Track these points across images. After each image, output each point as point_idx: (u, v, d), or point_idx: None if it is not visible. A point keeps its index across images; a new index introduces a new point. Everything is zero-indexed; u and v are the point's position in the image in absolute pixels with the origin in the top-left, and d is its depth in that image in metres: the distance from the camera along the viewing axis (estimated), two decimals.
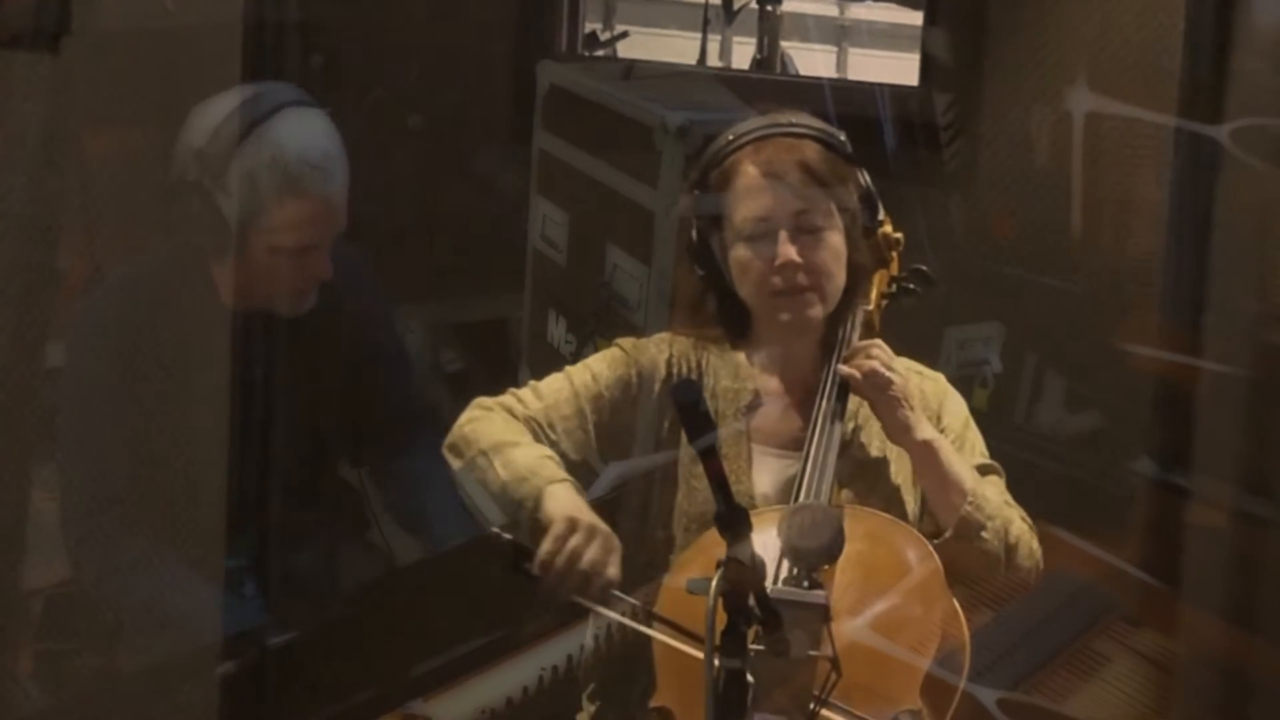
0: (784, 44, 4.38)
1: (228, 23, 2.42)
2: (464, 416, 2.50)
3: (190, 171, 2.60)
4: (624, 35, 4.39)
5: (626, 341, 2.59)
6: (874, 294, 2.59)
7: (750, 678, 1.95)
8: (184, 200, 2.62)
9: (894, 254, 2.62)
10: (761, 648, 2.02)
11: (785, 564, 2.18)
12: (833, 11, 5.96)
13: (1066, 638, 2.66)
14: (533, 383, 2.55)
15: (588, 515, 2.31)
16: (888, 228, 2.59)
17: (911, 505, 2.48)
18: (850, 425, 2.47)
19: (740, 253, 2.47)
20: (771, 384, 2.53)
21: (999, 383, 3.31)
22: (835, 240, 2.47)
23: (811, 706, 2.06)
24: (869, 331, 2.56)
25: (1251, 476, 2.71)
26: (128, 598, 2.60)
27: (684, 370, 2.54)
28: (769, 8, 4.35)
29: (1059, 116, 3.32)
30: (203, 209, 2.61)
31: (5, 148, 2.25)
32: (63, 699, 2.69)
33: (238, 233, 2.62)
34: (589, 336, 3.43)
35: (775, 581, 2.16)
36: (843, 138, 2.52)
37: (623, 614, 2.29)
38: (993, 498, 2.43)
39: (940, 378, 2.58)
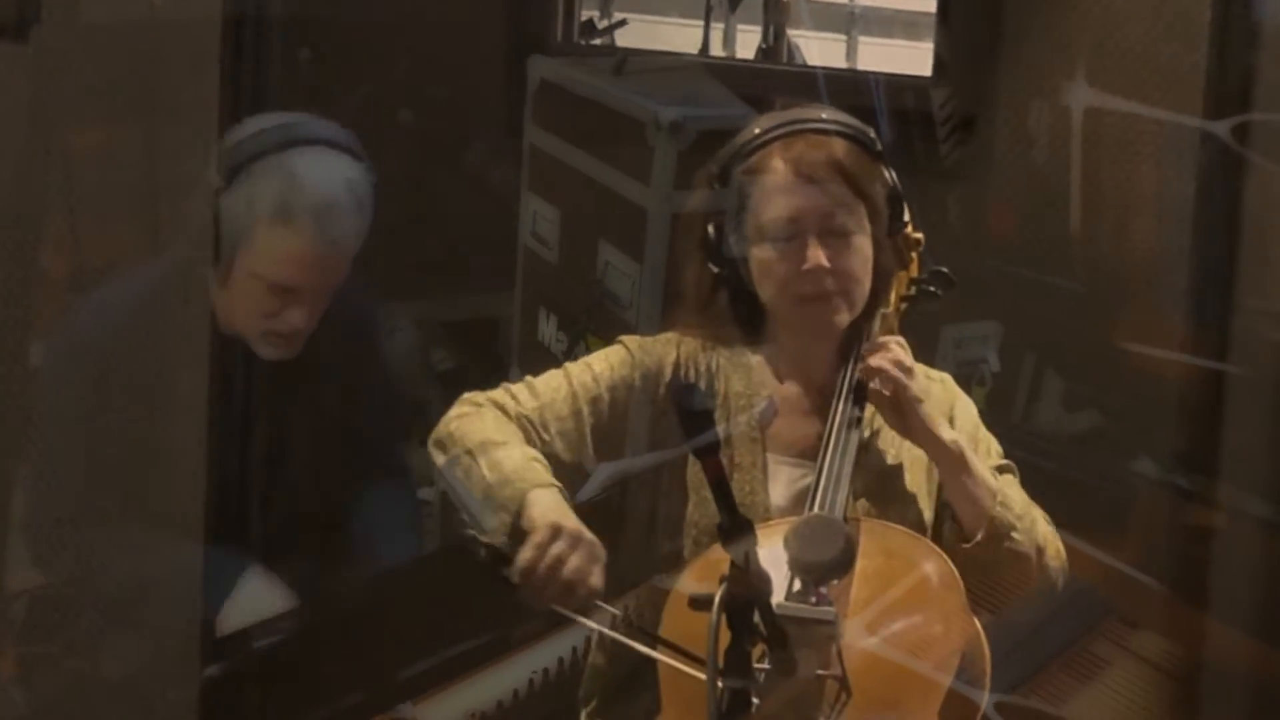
0: (791, 32, 4.31)
1: (208, 16, 2.39)
2: (452, 411, 2.42)
3: (212, 170, 2.54)
4: (622, 23, 4.32)
5: (632, 340, 2.50)
6: (893, 297, 2.50)
7: (755, 699, 1.90)
8: (199, 199, 2.55)
9: (914, 255, 2.53)
10: (767, 667, 1.97)
11: (793, 578, 2.11)
12: None
13: (1065, 641, 2.64)
14: (529, 379, 2.47)
15: (572, 522, 2.24)
16: (908, 228, 2.50)
17: (927, 515, 2.40)
18: (865, 433, 2.39)
19: (764, 254, 2.38)
20: (787, 390, 2.45)
21: (997, 382, 3.28)
22: (863, 244, 2.38)
23: None
24: (886, 335, 2.47)
25: (1254, 477, 2.70)
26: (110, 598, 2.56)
27: (692, 373, 2.45)
28: None
29: (1059, 110, 3.29)
30: (214, 212, 2.55)
31: None
32: (46, 702, 2.66)
33: (227, 247, 2.58)
34: (580, 334, 3.40)
35: (782, 597, 2.09)
36: (873, 134, 2.44)
37: (607, 625, 2.23)
38: (1017, 497, 2.36)
39: (948, 379, 2.52)
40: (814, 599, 2.09)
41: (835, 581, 2.10)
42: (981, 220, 3.46)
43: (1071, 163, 3.24)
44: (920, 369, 2.44)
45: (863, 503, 2.36)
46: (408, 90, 3.66)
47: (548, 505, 2.25)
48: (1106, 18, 3.30)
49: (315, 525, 2.81)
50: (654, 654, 2.16)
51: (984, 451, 2.43)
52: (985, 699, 2.14)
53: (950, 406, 2.46)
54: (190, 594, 2.53)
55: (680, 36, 4.81)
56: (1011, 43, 3.44)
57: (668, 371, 2.45)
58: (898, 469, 2.40)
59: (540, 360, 2.51)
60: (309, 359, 2.71)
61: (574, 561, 2.20)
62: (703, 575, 2.15)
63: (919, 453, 2.39)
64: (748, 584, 1.86)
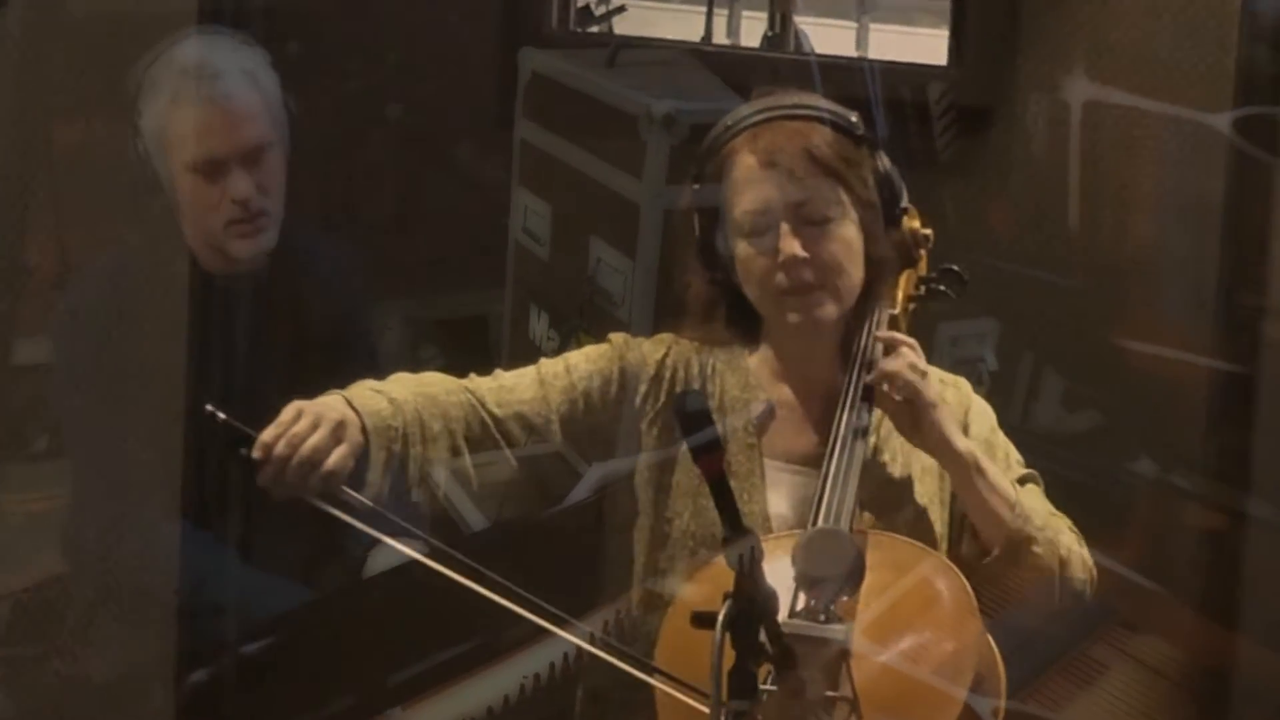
0: (798, 19, 4.22)
1: (184, 9, 2.40)
2: None
3: (134, 141, 2.66)
4: (621, 9, 4.25)
5: (619, 336, 2.44)
6: (900, 297, 2.41)
7: None
8: (140, 171, 2.68)
9: (922, 252, 2.44)
10: (773, 688, 1.92)
11: (800, 595, 2.06)
12: None
13: (1063, 644, 2.61)
14: (498, 371, 2.43)
15: (320, 406, 2.19)
16: (915, 223, 2.42)
17: (939, 528, 2.33)
18: (871, 441, 2.31)
19: (743, 250, 2.31)
20: (785, 393, 2.38)
21: (994, 381, 3.24)
22: (847, 232, 2.30)
23: None
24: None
25: (1254, 478, 2.69)
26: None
27: (682, 375, 2.39)
28: None
29: (1058, 104, 3.26)
30: (148, 168, 2.66)
31: None
32: (28, 705, 2.65)
33: (160, 160, 2.66)
34: (572, 332, 3.38)
35: (789, 614, 2.03)
36: (855, 119, 2.36)
37: (359, 519, 2.17)
38: (1039, 508, 2.29)
39: (962, 382, 2.42)
40: (823, 616, 2.03)
41: (845, 598, 2.05)
42: (996, 215, 3.41)
43: (1093, 158, 3.18)
44: (934, 373, 2.36)
45: (868, 515, 2.28)
46: (396, 84, 3.64)
47: (319, 400, 2.22)
48: (1113, 11, 3.25)
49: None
50: (651, 680, 2.10)
51: (1002, 459, 2.36)
52: None
53: (965, 412, 2.38)
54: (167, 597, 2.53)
55: (682, 23, 4.72)
56: (1029, 29, 3.37)
57: (651, 368, 2.39)
58: (905, 480, 2.33)
59: (531, 359, 2.47)
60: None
61: (314, 439, 2.16)
62: (704, 589, 2.08)
63: (930, 461, 2.31)
64: (752, 591, 1.80)
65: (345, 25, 3.51)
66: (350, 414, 2.22)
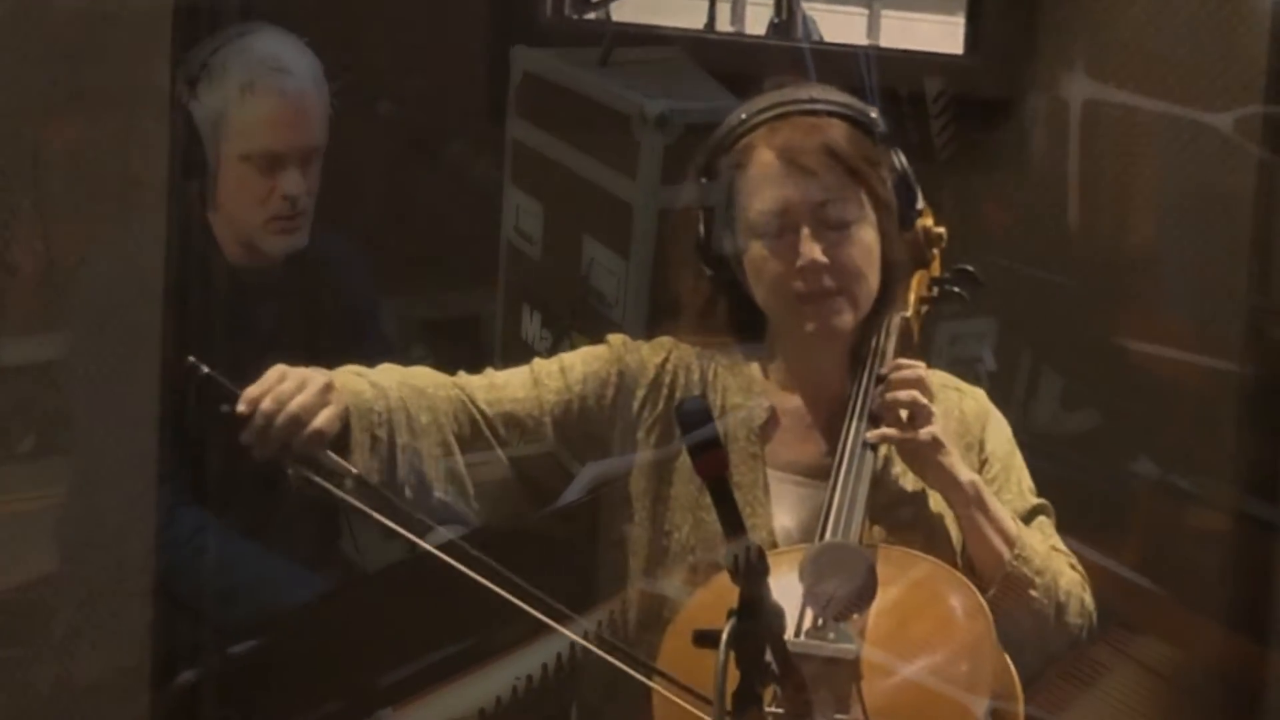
0: (806, 5, 4.15)
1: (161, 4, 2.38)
2: None
3: (179, 94, 2.69)
4: None
5: (617, 338, 2.39)
6: (912, 299, 2.36)
7: None
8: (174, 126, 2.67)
9: (935, 252, 2.39)
10: (780, 710, 1.87)
11: (808, 612, 2.00)
12: None
13: None
14: (489, 370, 2.38)
15: (306, 370, 2.14)
16: (928, 222, 2.37)
17: (956, 539, 2.25)
18: (882, 452, 2.23)
19: (756, 252, 2.24)
20: (791, 401, 2.30)
21: (993, 380, 3.22)
22: (867, 236, 2.23)
23: None
24: (906, 341, 2.34)
25: (1254, 478, 2.68)
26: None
27: (682, 381, 2.32)
28: None
29: (1055, 100, 3.23)
30: (184, 130, 2.68)
31: None
32: (14, 708, 2.63)
33: (211, 146, 2.72)
34: (565, 333, 3.36)
35: (796, 633, 1.98)
36: (874, 114, 2.29)
37: (345, 490, 2.13)
38: (1040, 548, 2.22)
39: (981, 395, 2.36)
40: (832, 634, 1.98)
41: (856, 615, 2.00)
42: (999, 214, 3.36)
43: (1115, 153, 3.14)
44: (950, 383, 2.31)
45: (878, 529, 2.21)
46: (387, 81, 3.62)
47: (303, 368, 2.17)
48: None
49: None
50: (650, 681, 2.04)
51: (1015, 484, 2.30)
52: None
53: (982, 427, 2.31)
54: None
55: (684, 11, 4.62)
56: (1049, 18, 3.30)
57: (650, 372, 2.33)
58: (919, 493, 2.26)
59: (523, 359, 2.45)
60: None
61: (301, 398, 2.11)
62: (708, 607, 2.01)
63: None
64: (758, 606, 1.75)
65: (338, 21, 3.50)
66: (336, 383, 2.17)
